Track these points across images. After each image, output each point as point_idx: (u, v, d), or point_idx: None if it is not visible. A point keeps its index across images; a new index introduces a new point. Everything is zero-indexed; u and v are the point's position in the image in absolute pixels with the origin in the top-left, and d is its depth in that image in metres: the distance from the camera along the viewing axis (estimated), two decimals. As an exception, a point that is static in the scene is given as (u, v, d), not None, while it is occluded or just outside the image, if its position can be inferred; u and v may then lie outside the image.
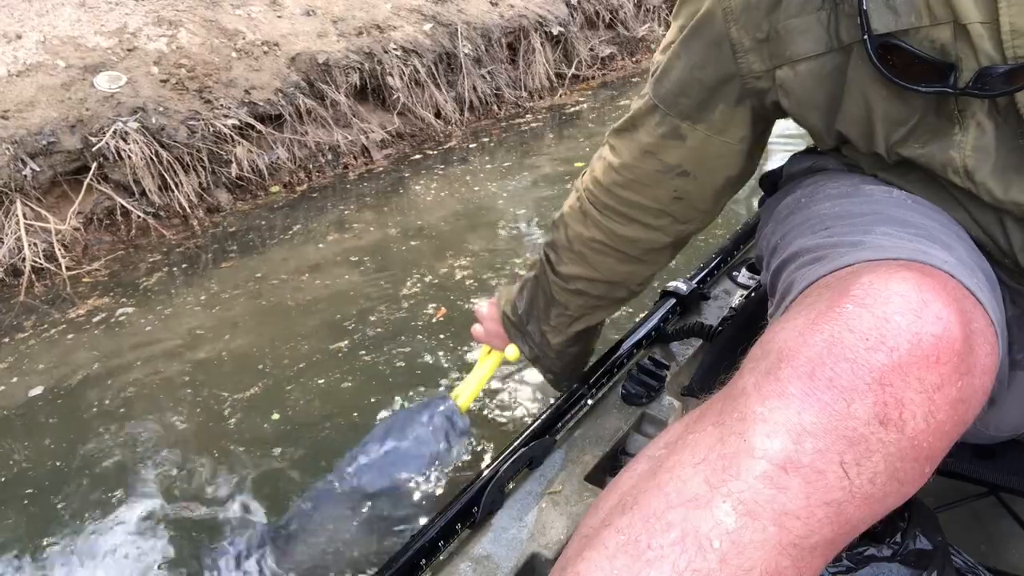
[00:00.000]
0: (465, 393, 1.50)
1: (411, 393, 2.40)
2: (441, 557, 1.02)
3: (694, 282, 1.59)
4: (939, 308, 0.62)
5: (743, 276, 1.65)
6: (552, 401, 1.26)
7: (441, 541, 1.02)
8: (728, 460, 0.59)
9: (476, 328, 1.47)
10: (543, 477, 1.17)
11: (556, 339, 1.28)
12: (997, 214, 0.76)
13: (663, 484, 0.60)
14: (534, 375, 2.36)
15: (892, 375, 0.59)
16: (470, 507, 1.07)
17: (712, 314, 1.57)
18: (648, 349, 1.47)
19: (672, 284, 1.55)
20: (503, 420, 2.21)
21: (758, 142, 0.99)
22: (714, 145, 0.97)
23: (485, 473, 1.11)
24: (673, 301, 1.53)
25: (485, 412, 2.25)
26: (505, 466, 1.11)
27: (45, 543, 1.95)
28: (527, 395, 2.30)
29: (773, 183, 1.09)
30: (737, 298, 1.60)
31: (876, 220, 0.78)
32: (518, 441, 1.17)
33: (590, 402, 1.32)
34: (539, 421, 1.22)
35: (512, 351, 1.40)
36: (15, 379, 2.75)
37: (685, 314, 1.57)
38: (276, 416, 2.35)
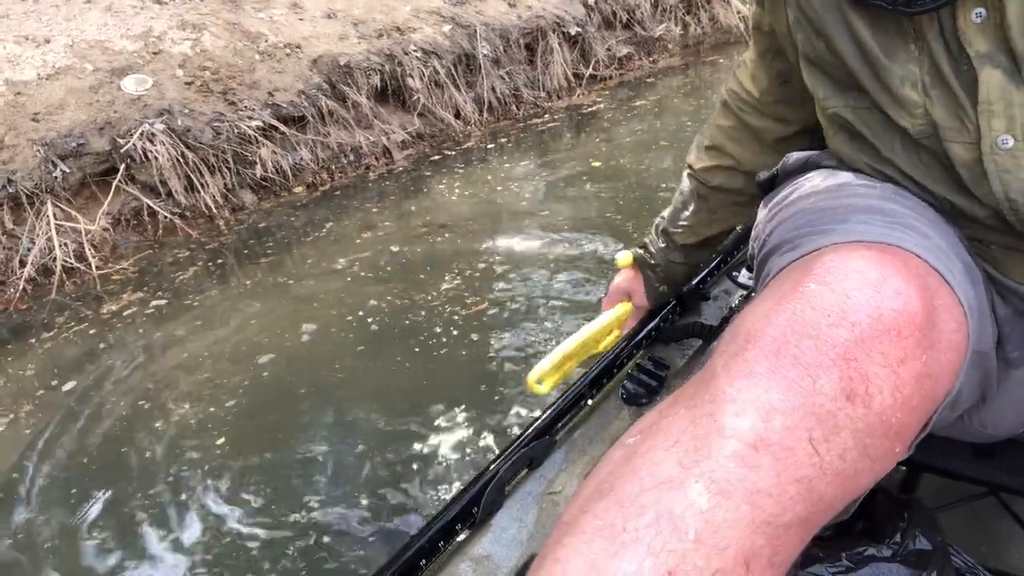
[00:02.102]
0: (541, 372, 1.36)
1: (454, 387, 2.48)
2: (441, 557, 1.02)
3: (694, 282, 1.58)
4: (899, 283, 0.64)
5: (743, 276, 1.63)
6: (552, 401, 1.26)
7: (441, 541, 1.01)
8: (700, 441, 0.59)
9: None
10: (543, 477, 1.17)
11: (685, 239, 1.29)
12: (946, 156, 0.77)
13: (637, 468, 0.60)
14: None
15: (855, 350, 0.60)
16: (470, 507, 1.05)
17: (712, 314, 1.57)
18: (648, 349, 1.47)
19: None
20: (503, 420, 2.26)
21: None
22: (779, 32, 1.01)
23: (485, 473, 1.10)
24: (673, 301, 1.52)
25: (486, 413, 2.30)
26: (505, 466, 1.10)
27: (98, 535, 2.04)
28: (527, 396, 2.36)
29: (770, 182, 1.10)
30: (737, 298, 1.60)
31: (853, 210, 0.79)
32: (518, 441, 1.17)
33: (590, 402, 1.33)
34: (539, 421, 1.21)
35: (623, 256, 1.41)
36: (49, 375, 2.85)
37: (685, 314, 1.57)
38: (308, 411, 2.44)
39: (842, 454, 0.59)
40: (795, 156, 1.05)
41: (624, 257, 1.42)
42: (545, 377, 1.29)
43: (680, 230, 1.30)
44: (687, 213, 1.28)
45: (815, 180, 0.92)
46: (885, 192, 0.83)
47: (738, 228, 1.82)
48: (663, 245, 1.33)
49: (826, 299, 0.64)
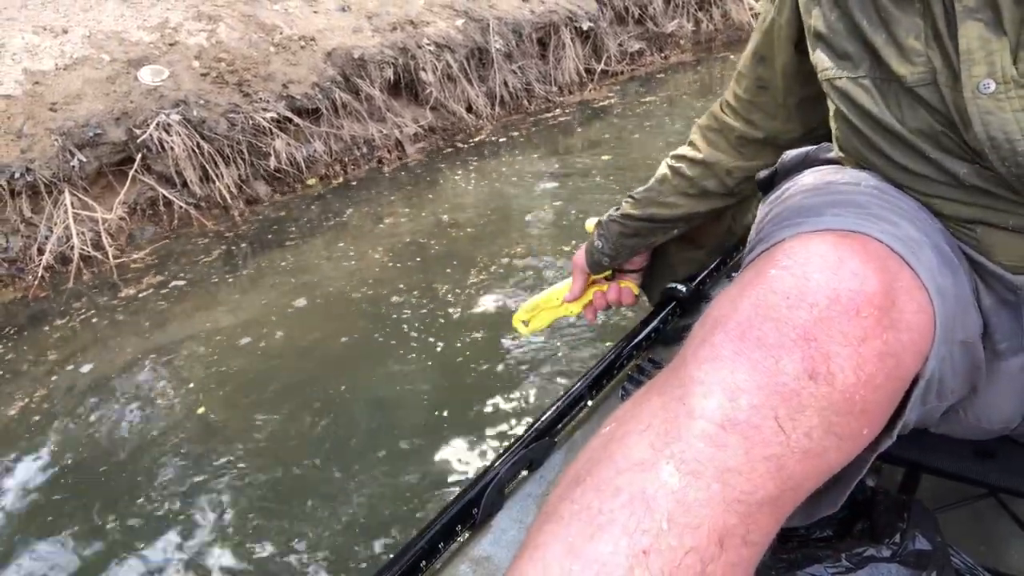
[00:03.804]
0: (527, 315, 1.50)
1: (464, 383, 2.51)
2: (441, 559, 1.02)
3: (694, 283, 1.58)
4: (856, 265, 0.66)
5: None
6: (552, 403, 1.27)
7: (441, 543, 1.00)
8: (670, 424, 0.61)
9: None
10: (543, 479, 1.17)
11: (630, 208, 1.31)
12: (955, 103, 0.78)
13: (613, 454, 0.62)
14: (536, 377, 2.46)
15: (815, 330, 0.62)
16: (470, 508, 1.05)
17: (712, 315, 1.57)
18: (648, 350, 1.47)
19: (671, 285, 1.54)
20: (504, 421, 2.29)
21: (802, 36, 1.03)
22: (776, 26, 1.03)
23: (485, 475, 1.10)
24: (673, 303, 1.53)
25: (487, 413, 2.33)
26: (505, 468, 1.10)
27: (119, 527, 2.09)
28: (527, 396, 2.39)
29: (769, 180, 1.11)
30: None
31: (830, 204, 0.81)
32: (518, 442, 1.16)
33: (590, 403, 1.33)
34: (539, 423, 1.21)
35: (590, 222, 1.42)
36: (65, 360, 2.91)
37: (685, 315, 1.57)
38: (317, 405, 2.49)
39: (808, 432, 0.60)
40: (792, 153, 1.07)
41: (590, 223, 1.43)
42: (522, 319, 1.45)
43: (631, 199, 1.32)
44: (644, 187, 1.31)
45: (806, 179, 0.94)
46: (867, 188, 0.85)
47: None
48: (614, 208, 1.35)
49: (786, 283, 0.66)
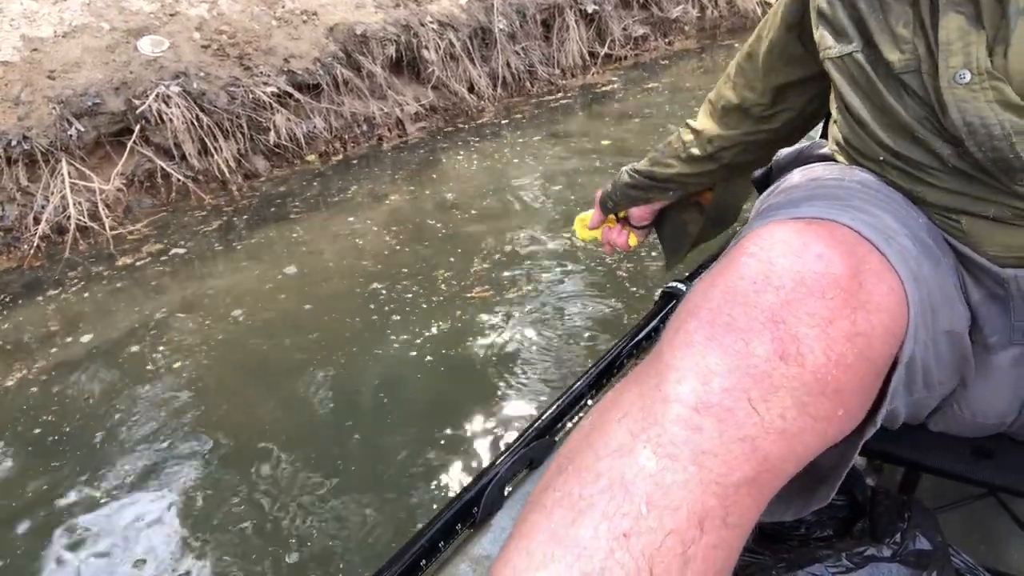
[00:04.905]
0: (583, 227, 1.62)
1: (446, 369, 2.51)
2: (441, 557, 1.02)
3: (693, 282, 1.52)
4: (820, 248, 0.68)
5: None
6: (553, 401, 1.28)
7: (441, 541, 1.01)
8: (647, 410, 0.62)
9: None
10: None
11: (639, 164, 1.37)
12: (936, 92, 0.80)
13: (593, 442, 0.63)
14: (536, 378, 2.46)
15: (783, 312, 0.64)
16: (470, 507, 1.05)
17: (711, 314, 1.57)
18: (648, 349, 1.46)
19: (671, 284, 1.56)
20: (504, 420, 2.28)
21: (802, 27, 1.04)
22: (778, 7, 1.06)
23: (485, 473, 1.10)
24: (673, 302, 1.53)
25: (487, 412, 2.32)
26: (506, 467, 1.10)
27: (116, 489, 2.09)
28: (528, 396, 2.38)
29: (764, 179, 1.14)
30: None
31: (810, 198, 0.83)
32: (518, 441, 1.16)
33: (590, 402, 1.33)
34: (539, 422, 1.21)
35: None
36: (62, 329, 2.92)
37: None
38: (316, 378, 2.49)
39: (782, 413, 0.62)
40: (785, 152, 1.10)
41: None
42: (577, 226, 1.61)
43: (647, 158, 1.37)
44: (652, 151, 1.36)
45: (794, 177, 0.97)
46: (849, 183, 0.87)
47: (737, 227, 1.84)
48: (635, 162, 1.42)
49: (752, 268, 0.68)
